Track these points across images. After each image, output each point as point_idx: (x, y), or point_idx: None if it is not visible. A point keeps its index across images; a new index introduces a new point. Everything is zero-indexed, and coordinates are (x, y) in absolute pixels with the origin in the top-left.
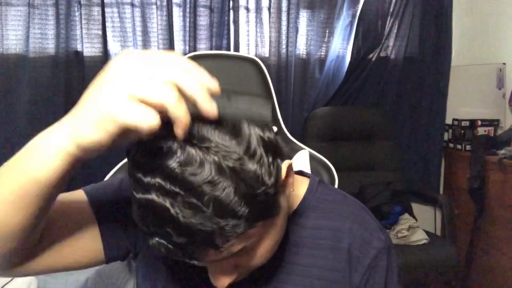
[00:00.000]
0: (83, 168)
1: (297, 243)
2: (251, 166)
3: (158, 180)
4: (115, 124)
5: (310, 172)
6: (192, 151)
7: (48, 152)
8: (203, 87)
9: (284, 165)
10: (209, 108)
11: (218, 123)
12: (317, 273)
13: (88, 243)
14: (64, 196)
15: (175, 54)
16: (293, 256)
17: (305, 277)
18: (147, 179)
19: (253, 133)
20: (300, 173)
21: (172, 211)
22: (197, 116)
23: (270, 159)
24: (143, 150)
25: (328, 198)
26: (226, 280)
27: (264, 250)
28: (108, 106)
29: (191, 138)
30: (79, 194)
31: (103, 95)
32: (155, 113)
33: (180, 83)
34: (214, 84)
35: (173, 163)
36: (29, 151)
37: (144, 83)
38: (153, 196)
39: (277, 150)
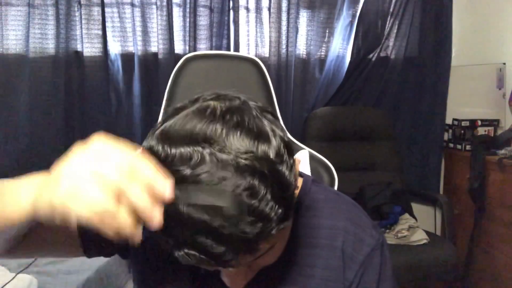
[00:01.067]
0: None
1: (290, 242)
2: (281, 168)
3: (189, 188)
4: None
5: (310, 172)
6: (225, 158)
7: (15, 202)
8: (146, 195)
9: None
10: (152, 218)
11: (243, 129)
12: (311, 272)
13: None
14: None
15: (123, 151)
16: (286, 255)
17: (299, 276)
18: (177, 190)
19: (278, 136)
20: None
21: (211, 223)
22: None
23: (291, 160)
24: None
25: (321, 197)
26: (240, 280)
27: (277, 249)
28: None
29: (222, 148)
30: None
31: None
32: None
33: (123, 192)
34: (163, 187)
35: (205, 175)
36: (5, 192)
37: (80, 200)
38: (184, 207)
39: (292, 149)
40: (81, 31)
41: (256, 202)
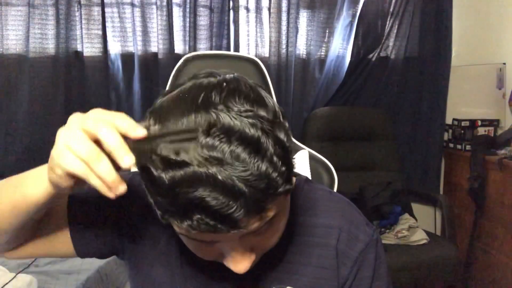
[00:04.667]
0: None
1: (284, 242)
2: (280, 130)
3: (195, 150)
4: (60, 170)
5: (310, 172)
6: (227, 117)
7: (36, 181)
8: (116, 135)
9: None
10: (122, 156)
11: (241, 94)
12: (305, 270)
13: (58, 239)
14: None
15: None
16: (280, 254)
17: (293, 275)
18: (183, 156)
19: (273, 102)
20: None
21: (217, 178)
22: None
23: (287, 126)
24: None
25: (315, 196)
26: (246, 263)
27: (277, 228)
28: (55, 157)
29: (223, 109)
30: (64, 200)
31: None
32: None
33: (99, 137)
34: (134, 131)
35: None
36: (25, 176)
37: (65, 158)
38: (192, 168)
39: (286, 118)
40: (81, 31)
41: (262, 155)
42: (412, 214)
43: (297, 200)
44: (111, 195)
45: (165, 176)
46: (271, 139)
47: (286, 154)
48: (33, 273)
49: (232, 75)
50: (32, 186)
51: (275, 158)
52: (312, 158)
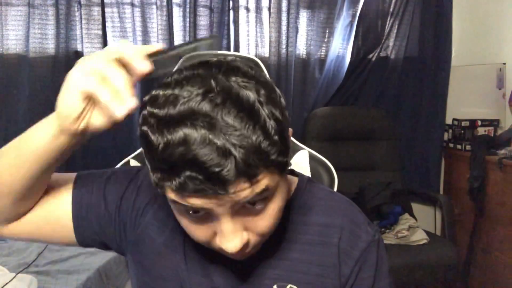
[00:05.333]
0: (97, 156)
1: (286, 239)
2: (278, 106)
3: (190, 109)
4: (76, 90)
5: (310, 172)
6: (225, 82)
7: (42, 126)
8: (137, 51)
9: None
10: (142, 65)
11: (238, 72)
12: (307, 268)
13: (60, 221)
14: (56, 176)
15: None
16: (282, 252)
17: (295, 273)
18: (176, 112)
19: (271, 83)
20: (291, 172)
21: (209, 137)
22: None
23: (282, 105)
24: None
25: (317, 196)
26: (238, 240)
27: (272, 210)
28: (71, 82)
29: (222, 78)
30: (71, 177)
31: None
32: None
33: (119, 54)
34: (153, 47)
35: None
36: (33, 127)
37: (84, 78)
38: (185, 129)
39: (284, 107)
40: (81, 31)
41: (255, 121)
42: (412, 214)
43: (300, 199)
44: (121, 109)
45: (160, 138)
46: (265, 110)
47: (280, 129)
48: (33, 273)
49: (234, 57)
50: (37, 130)
51: (268, 126)
52: (312, 158)
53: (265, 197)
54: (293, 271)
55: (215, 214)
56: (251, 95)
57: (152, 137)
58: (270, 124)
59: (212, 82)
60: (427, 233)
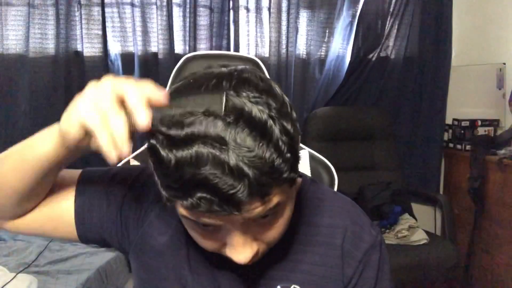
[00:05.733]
0: (98, 155)
1: (289, 240)
2: (290, 118)
3: (201, 128)
4: (76, 120)
5: (310, 172)
6: (236, 100)
7: (46, 137)
8: (142, 98)
9: None
10: (142, 119)
11: (250, 84)
12: (310, 269)
13: (62, 217)
14: (61, 172)
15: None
16: (286, 253)
17: (297, 273)
18: (187, 132)
19: (281, 93)
20: None
21: (220, 157)
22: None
23: (294, 117)
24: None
25: (320, 196)
26: (248, 252)
27: (282, 220)
28: (77, 108)
29: (232, 93)
30: (75, 173)
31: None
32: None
33: (124, 96)
34: (157, 95)
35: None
36: (38, 134)
37: (86, 110)
38: (197, 148)
39: (293, 109)
40: (81, 31)
41: (268, 139)
42: (412, 214)
43: (303, 199)
44: (113, 154)
45: (171, 155)
46: (278, 125)
47: (292, 143)
48: (33, 273)
49: (244, 67)
50: (41, 139)
51: (281, 144)
52: (312, 158)
53: (276, 210)
54: (296, 272)
55: (226, 228)
56: (263, 112)
57: (162, 153)
58: (283, 140)
59: (224, 99)
60: (427, 233)
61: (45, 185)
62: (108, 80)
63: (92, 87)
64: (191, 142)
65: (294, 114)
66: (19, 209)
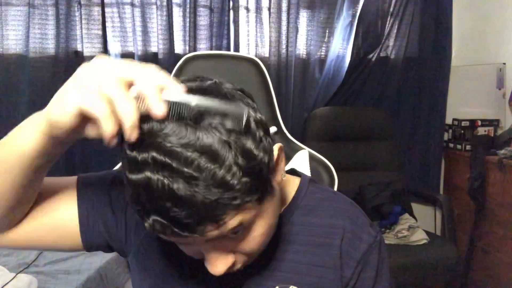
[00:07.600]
0: (97, 156)
1: (288, 240)
2: (247, 140)
3: (153, 154)
4: (72, 106)
5: (310, 172)
6: (186, 127)
7: (28, 129)
8: (156, 87)
9: (275, 147)
10: (159, 109)
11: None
12: (308, 270)
13: (65, 226)
14: (54, 180)
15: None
16: (283, 253)
17: (295, 274)
18: (142, 156)
19: (246, 110)
20: (293, 172)
21: (169, 185)
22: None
23: (262, 134)
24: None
25: (318, 196)
26: (222, 265)
27: (258, 233)
28: (67, 94)
29: (186, 118)
30: (71, 180)
31: (67, 91)
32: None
33: (133, 81)
34: (175, 87)
35: (170, 138)
36: (16, 129)
37: (86, 95)
38: (147, 173)
39: (267, 129)
40: (81, 31)
41: (219, 164)
42: (412, 214)
43: (302, 200)
44: (114, 142)
45: (129, 177)
46: (234, 148)
47: (253, 164)
48: (33, 273)
49: (210, 81)
50: (21, 133)
51: (234, 168)
52: (312, 158)
53: (244, 227)
54: (294, 272)
55: (190, 243)
56: (216, 138)
57: (125, 174)
58: (238, 163)
59: (183, 130)
60: (427, 233)
61: (32, 188)
62: (104, 62)
63: (85, 70)
64: (142, 167)
65: (264, 129)
66: (7, 220)
